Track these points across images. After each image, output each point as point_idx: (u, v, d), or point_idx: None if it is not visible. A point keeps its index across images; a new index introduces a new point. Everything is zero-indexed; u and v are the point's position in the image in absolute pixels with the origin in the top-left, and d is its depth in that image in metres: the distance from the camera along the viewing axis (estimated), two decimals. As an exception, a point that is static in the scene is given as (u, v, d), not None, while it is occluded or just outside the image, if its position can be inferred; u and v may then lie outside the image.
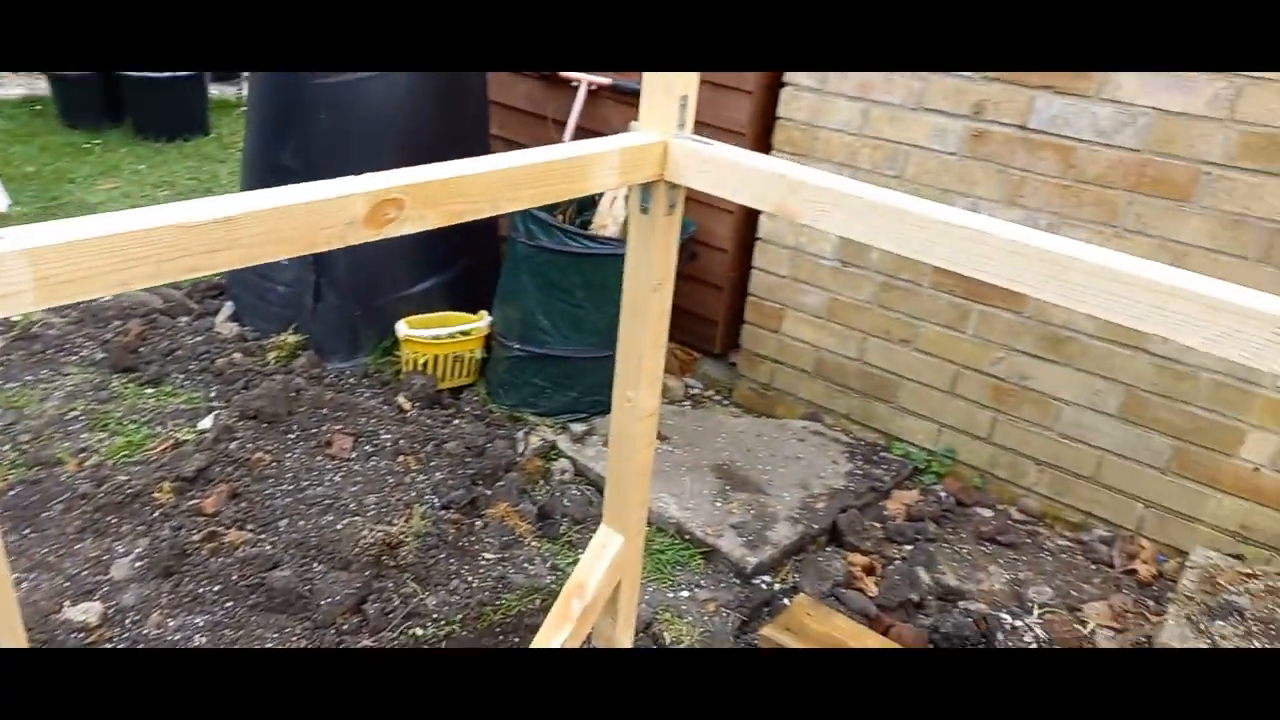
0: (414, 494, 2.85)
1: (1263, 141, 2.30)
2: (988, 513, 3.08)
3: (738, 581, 2.67)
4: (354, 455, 3.00)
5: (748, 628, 2.51)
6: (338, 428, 3.08)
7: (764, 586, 2.66)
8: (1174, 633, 2.41)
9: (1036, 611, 2.63)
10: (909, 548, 2.89)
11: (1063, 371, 2.86)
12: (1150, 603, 2.66)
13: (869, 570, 2.76)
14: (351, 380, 3.41)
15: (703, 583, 2.65)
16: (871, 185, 1.16)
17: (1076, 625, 2.60)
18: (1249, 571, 2.65)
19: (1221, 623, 2.46)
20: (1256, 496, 2.62)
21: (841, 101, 3.00)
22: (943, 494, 3.14)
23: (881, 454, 3.32)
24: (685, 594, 2.61)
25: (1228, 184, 2.38)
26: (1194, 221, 2.46)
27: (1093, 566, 2.86)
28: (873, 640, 2.38)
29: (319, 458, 2.96)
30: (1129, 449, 2.80)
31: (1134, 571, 2.80)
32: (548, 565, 2.65)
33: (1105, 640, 2.54)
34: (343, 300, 3.46)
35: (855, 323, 3.24)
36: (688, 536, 2.77)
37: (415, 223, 1.05)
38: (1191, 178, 2.42)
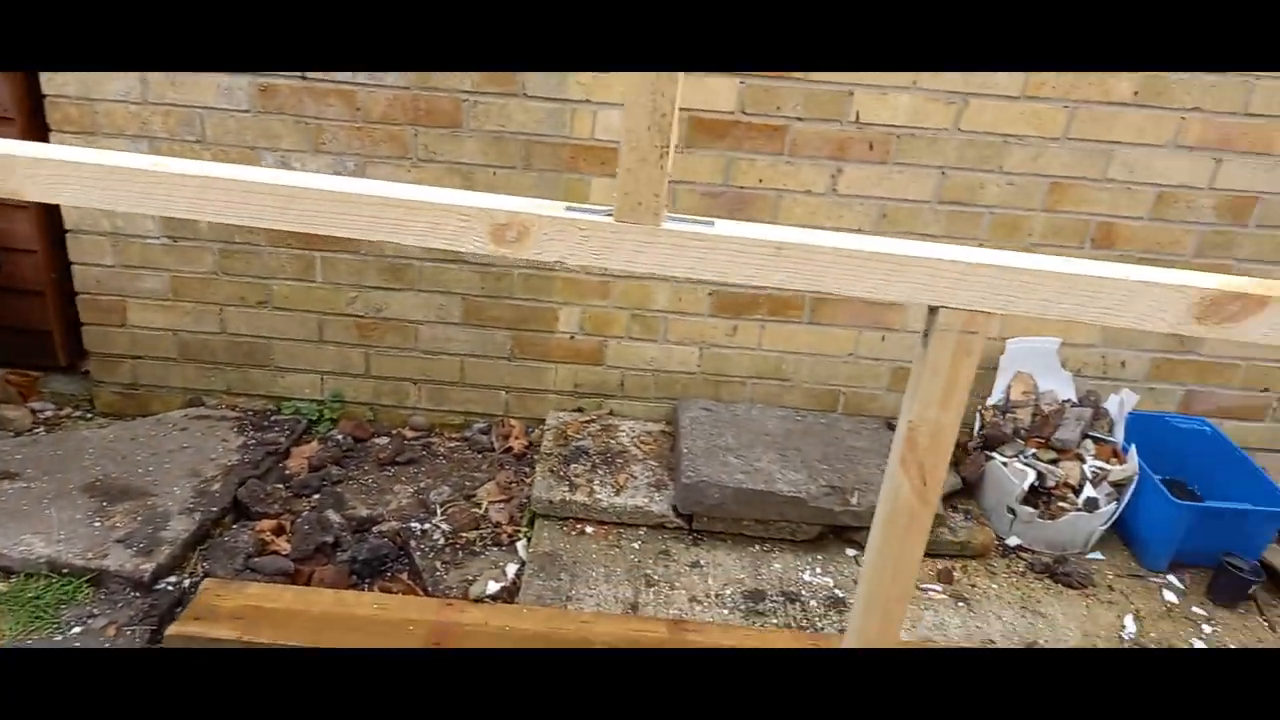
0: None
1: (500, 68, 2.73)
2: (384, 440, 3.28)
3: (138, 595, 2.49)
4: None
5: (158, 636, 2.37)
6: None
7: (170, 588, 2.53)
8: (542, 485, 2.89)
9: (440, 511, 2.92)
10: (317, 496, 2.97)
11: (410, 296, 3.13)
12: (526, 469, 3.12)
13: (279, 531, 2.78)
14: None
15: (95, 611, 2.42)
16: (141, 154, 1.13)
17: (473, 509, 2.94)
18: (588, 419, 3.26)
19: (575, 465, 3.00)
20: (578, 359, 3.21)
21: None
22: (340, 437, 3.26)
23: (273, 418, 3.31)
24: (77, 630, 2.36)
25: (483, 108, 2.78)
26: (468, 144, 2.84)
27: (480, 456, 3.25)
28: (290, 596, 2.42)
29: None
30: (479, 348, 3.20)
31: (510, 449, 3.25)
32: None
33: (496, 513, 2.93)
34: None
35: (206, 296, 3.13)
36: (66, 570, 2.49)
37: None
38: (455, 106, 2.78)
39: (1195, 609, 2.69)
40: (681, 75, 1.14)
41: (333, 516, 2.84)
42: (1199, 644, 2.56)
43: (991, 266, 1.18)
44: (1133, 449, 2.83)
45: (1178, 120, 2.65)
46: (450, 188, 2.74)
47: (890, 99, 2.68)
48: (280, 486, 2.99)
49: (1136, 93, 2.63)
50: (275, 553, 2.70)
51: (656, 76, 1.11)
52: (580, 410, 3.30)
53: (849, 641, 1.41)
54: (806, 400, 3.20)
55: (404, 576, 2.72)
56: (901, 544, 1.37)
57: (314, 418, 3.33)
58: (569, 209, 1.21)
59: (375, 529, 2.85)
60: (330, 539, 2.76)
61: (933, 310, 1.22)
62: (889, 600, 1.40)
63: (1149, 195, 2.78)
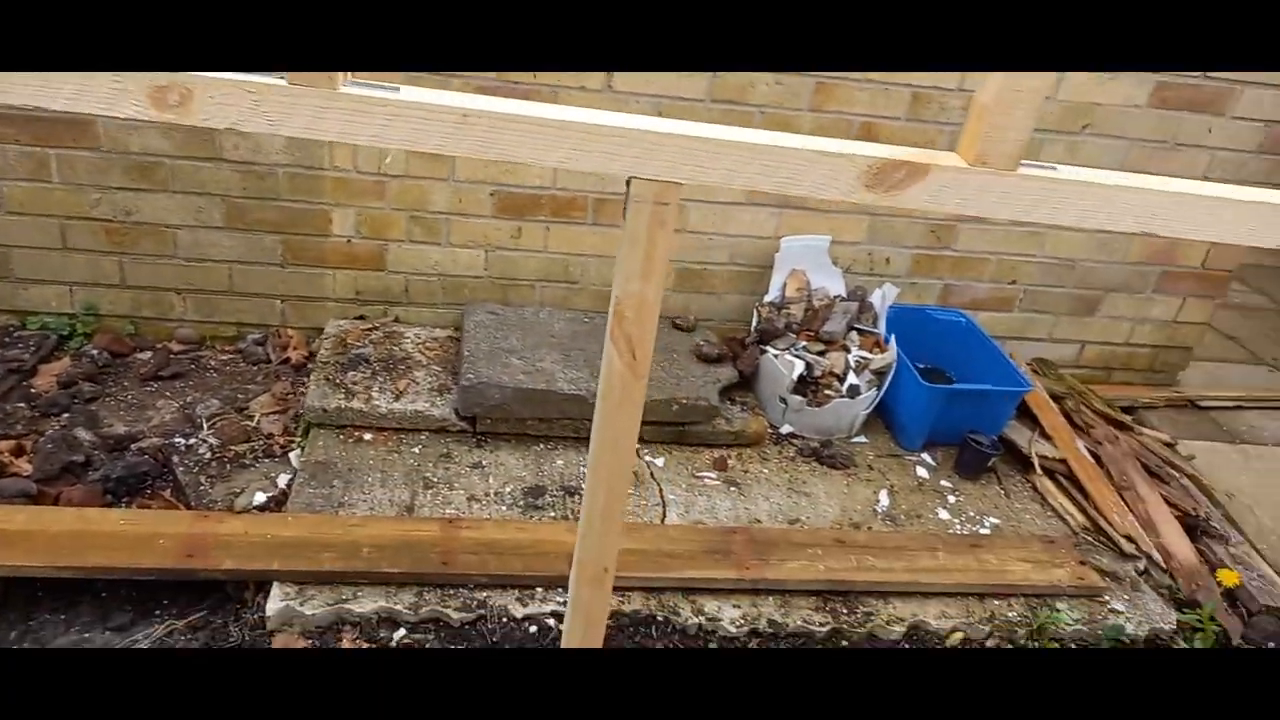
0: None
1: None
2: (147, 355, 3.06)
3: None
4: None
5: None
6: None
7: (-117, 518, 2.29)
8: (316, 393, 2.78)
9: (206, 425, 2.77)
10: (66, 415, 2.75)
11: (163, 198, 2.89)
12: (305, 380, 3.00)
13: (18, 452, 2.56)
14: None
15: None
16: None
17: (244, 422, 2.81)
18: (370, 326, 3.15)
19: (354, 372, 2.90)
20: (357, 264, 3.08)
21: None
22: (95, 353, 3.01)
23: (17, 334, 3.02)
24: None
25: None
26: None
27: (255, 368, 3.09)
28: (24, 516, 2.25)
29: None
30: (248, 254, 3.02)
31: (288, 360, 3.10)
32: None
33: (269, 424, 2.81)
34: None
35: (-82, 198, 2.78)
36: None
37: None
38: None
39: (943, 482, 2.93)
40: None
41: (83, 435, 2.65)
42: (944, 513, 2.80)
43: (681, 137, 1.18)
44: (893, 339, 3.01)
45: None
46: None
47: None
48: (23, 406, 2.75)
49: None
50: (16, 474, 2.49)
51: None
52: (363, 318, 3.18)
53: (583, 515, 1.44)
54: (595, 303, 3.21)
55: (166, 494, 2.58)
56: (617, 416, 1.39)
57: (65, 333, 3.06)
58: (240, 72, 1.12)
59: (134, 446, 2.68)
60: (80, 458, 2.57)
61: (628, 182, 1.22)
62: (613, 473, 1.43)
63: (905, 96, 2.90)
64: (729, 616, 2.33)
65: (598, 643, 1.56)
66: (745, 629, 2.33)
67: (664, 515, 2.63)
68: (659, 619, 2.33)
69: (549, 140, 1.18)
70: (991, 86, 1.14)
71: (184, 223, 2.94)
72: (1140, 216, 1.22)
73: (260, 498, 2.52)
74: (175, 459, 2.65)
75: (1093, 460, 2.95)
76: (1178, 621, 2.53)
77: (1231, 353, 4.05)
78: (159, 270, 3.02)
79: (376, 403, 2.78)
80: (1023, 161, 1.19)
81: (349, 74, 1.14)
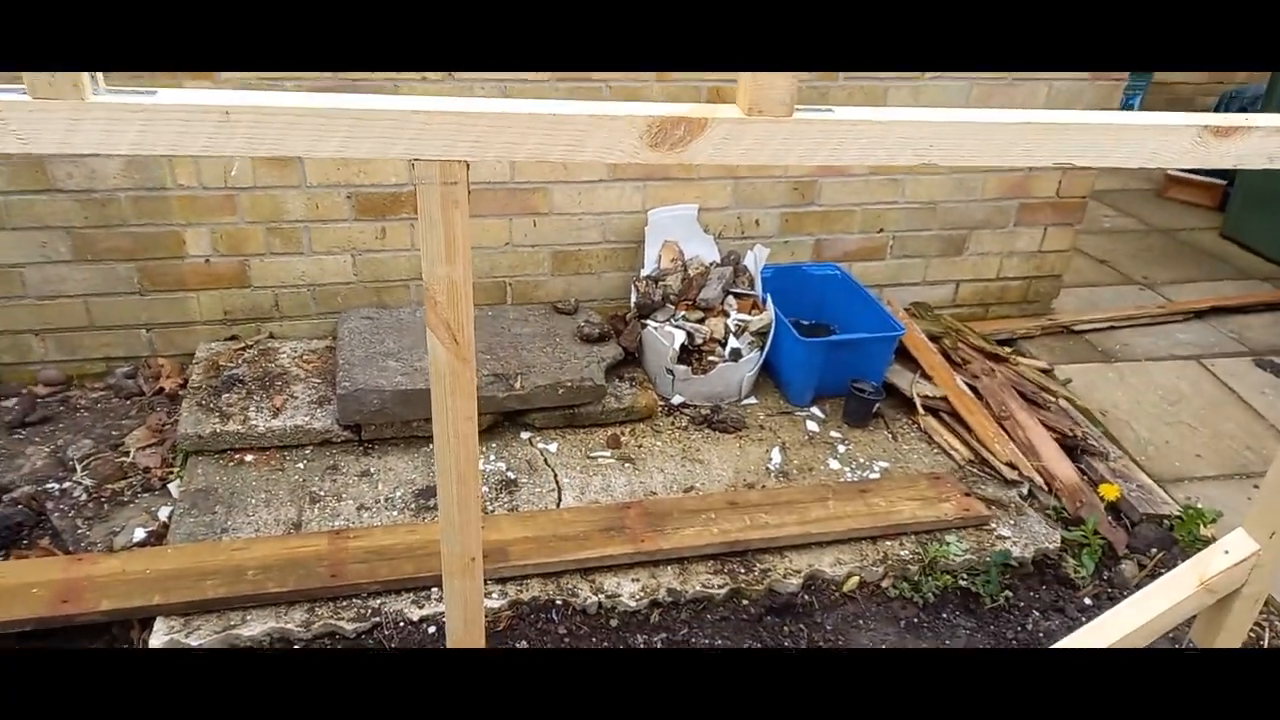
0: None
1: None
2: (11, 402, 2.94)
3: None
4: None
5: None
6: None
7: None
8: (189, 420, 2.70)
9: (80, 466, 2.67)
10: (-77, 475, 2.62)
11: (1, 236, 2.77)
12: (179, 409, 2.91)
13: None
14: None
15: None
16: None
17: (120, 458, 2.72)
18: (243, 346, 3.07)
19: (228, 394, 2.83)
20: (220, 283, 2.99)
21: None
22: (-47, 405, 2.88)
23: None
24: None
25: None
26: None
27: (128, 402, 2.99)
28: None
29: None
30: (104, 285, 2.91)
31: (162, 390, 3.01)
32: None
33: (145, 458, 2.72)
34: None
35: None
36: None
37: None
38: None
39: (833, 433, 2.99)
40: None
41: (-59, 493, 2.53)
42: (834, 463, 2.85)
43: (454, 114, 1.17)
44: (769, 299, 3.05)
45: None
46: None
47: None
48: (-126, 471, 2.61)
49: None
50: None
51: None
52: (235, 338, 3.10)
53: (440, 508, 1.42)
54: (475, 295, 3.17)
55: (43, 542, 2.48)
56: (453, 404, 1.38)
57: (-82, 389, 2.92)
58: (-24, 87, 1.07)
59: (5, 498, 2.57)
60: (-65, 518, 2.46)
61: (412, 165, 1.20)
62: (460, 461, 1.42)
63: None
64: (628, 591, 2.35)
65: (479, 632, 1.56)
66: (645, 601, 2.34)
67: (559, 499, 2.62)
68: (558, 602, 2.33)
69: (319, 130, 1.15)
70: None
71: (29, 259, 2.82)
72: (918, 149, 1.25)
73: (140, 534, 2.45)
74: (49, 505, 2.55)
75: (972, 394, 3.03)
76: (1062, 539, 2.63)
77: (1104, 276, 4.20)
78: (11, 313, 2.89)
79: (254, 422, 2.71)
80: (798, 106, 1.21)
81: (100, 79, 1.10)
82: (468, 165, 1.19)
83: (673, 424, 2.98)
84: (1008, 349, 3.42)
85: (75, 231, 2.80)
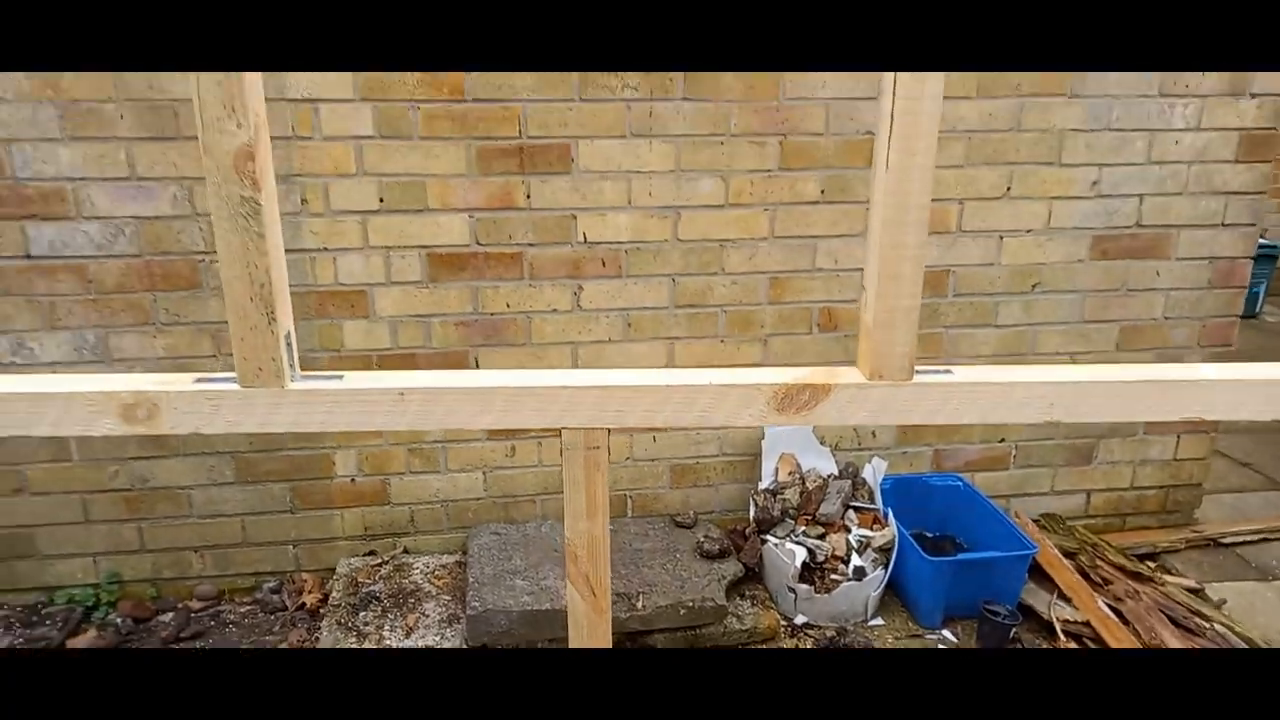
0: None
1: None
2: (168, 616, 3.12)
3: None
4: None
5: None
6: None
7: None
8: (328, 641, 2.81)
9: (222, 683, 2.78)
10: (85, 690, 2.78)
11: (175, 462, 3.04)
12: (319, 626, 3.03)
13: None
14: None
15: None
16: None
17: (260, 675, 2.82)
18: (379, 561, 3.21)
19: (365, 612, 2.94)
20: (363, 501, 3.18)
21: None
22: (119, 620, 3.08)
23: (45, 611, 3.10)
24: None
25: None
26: (212, 303, 2.85)
27: (272, 617, 3.13)
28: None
29: None
30: (259, 505, 3.13)
31: (304, 605, 3.15)
32: None
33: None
34: None
35: (-52, 492, 2.95)
36: None
37: None
38: (192, 267, 2.79)
39: (968, 655, 2.85)
40: (277, 248, 1.22)
41: (99, 709, 2.67)
42: (971, 689, 2.70)
43: (597, 388, 1.29)
44: (890, 514, 3.02)
45: (861, 210, 2.96)
46: (200, 349, 2.71)
47: (610, 218, 2.87)
48: (43, 685, 2.79)
49: (823, 191, 2.93)
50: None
51: (246, 248, 1.19)
52: (373, 553, 3.25)
53: None
54: (597, 509, 3.26)
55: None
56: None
57: (90, 603, 3.14)
58: (197, 380, 1.25)
59: (152, 714, 2.69)
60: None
61: (560, 432, 1.32)
62: (590, 710, 1.45)
63: (855, 279, 3.05)
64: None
65: None
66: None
67: (682, 726, 2.56)
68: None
69: (480, 405, 1.29)
70: (870, 307, 1.24)
71: (197, 483, 3.08)
72: (1039, 408, 1.30)
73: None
74: (190, 723, 2.65)
75: (1116, 619, 2.87)
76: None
77: (1250, 481, 3.99)
78: (176, 531, 3.13)
79: (388, 642, 2.80)
80: (919, 368, 1.28)
81: (297, 367, 1.26)
82: (609, 431, 1.30)
83: (798, 646, 2.91)
84: (1151, 564, 3.24)
85: (239, 456, 3.06)
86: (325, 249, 2.80)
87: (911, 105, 1.29)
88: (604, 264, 2.92)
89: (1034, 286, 3.13)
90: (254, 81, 1.19)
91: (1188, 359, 3.25)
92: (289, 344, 1.26)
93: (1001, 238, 3.05)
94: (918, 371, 1.28)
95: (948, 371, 1.29)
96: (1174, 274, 3.16)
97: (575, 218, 2.86)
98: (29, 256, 2.71)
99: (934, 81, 1.24)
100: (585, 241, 2.89)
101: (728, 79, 2.78)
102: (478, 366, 2.99)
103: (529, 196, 2.83)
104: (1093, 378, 1.28)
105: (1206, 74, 2.93)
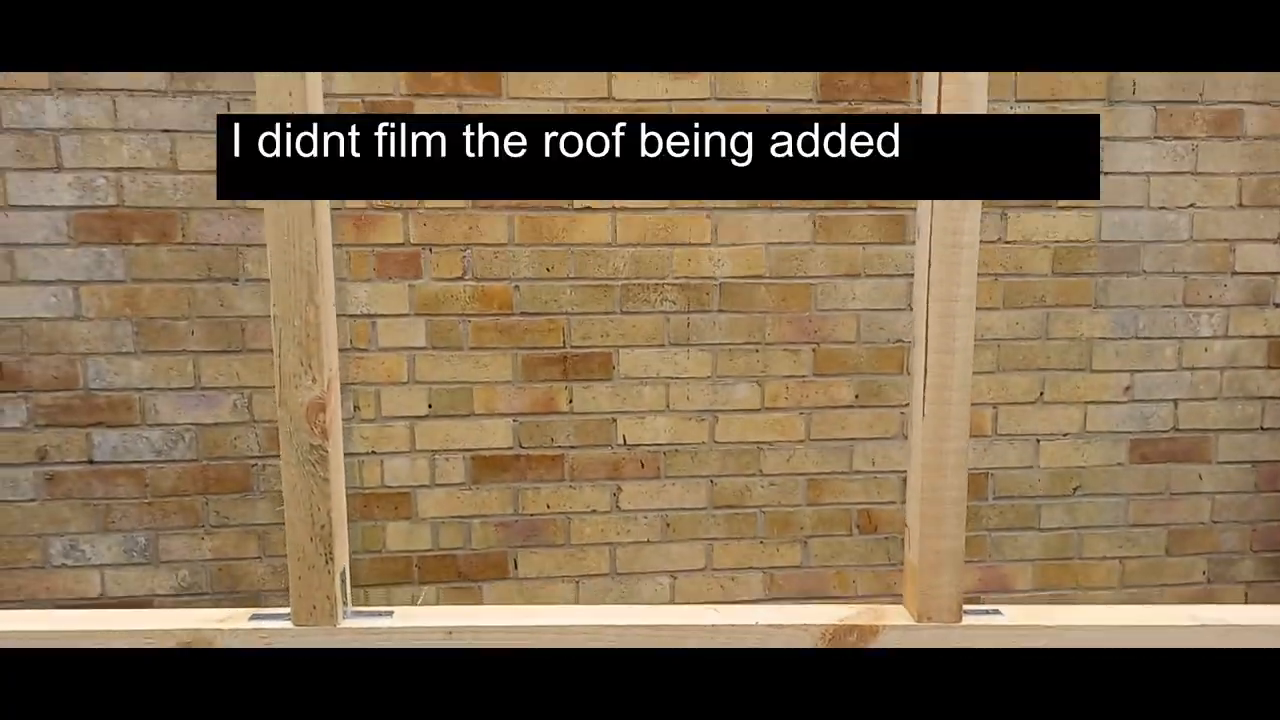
0: None
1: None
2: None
3: None
4: None
5: None
6: None
7: None
8: None
9: None
10: None
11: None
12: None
13: None
14: None
15: None
16: None
17: None
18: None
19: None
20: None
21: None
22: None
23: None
24: None
25: (272, 469, 2.89)
26: (260, 505, 2.91)
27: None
28: None
29: None
30: None
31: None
32: None
33: None
34: None
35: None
36: None
37: None
38: (245, 471, 2.88)
39: None
40: (339, 491, 1.28)
41: None
42: None
43: (642, 627, 1.30)
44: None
45: (897, 414, 3.01)
46: (246, 550, 2.76)
47: (649, 422, 2.95)
48: None
49: (857, 395, 2.99)
50: None
51: (310, 491, 1.25)
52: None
53: None
54: None
55: None
56: None
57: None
58: (253, 617, 1.29)
59: None
60: None
61: (606, 668, 1.32)
62: None
63: (894, 482, 3.06)
64: None
65: None
66: None
67: None
68: None
69: (524, 641, 1.30)
70: (914, 547, 1.26)
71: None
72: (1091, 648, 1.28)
73: None
74: None
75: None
76: None
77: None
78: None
79: None
80: (966, 608, 1.28)
81: (349, 603, 1.29)
82: (656, 664, 1.30)
83: None
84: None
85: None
86: (374, 452, 2.89)
87: (944, 349, 1.36)
88: (643, 465, 2.97)
89: (1075, 489, 3.12)
90: (331, 337, 1.30)
91: (1240, 565, 3.17)
92: (343, 579, 1.30)
93: (1038, 441, 3.06)
94: (966, 612, 1.28)
95: (997, 612, 1.29)
96: (1217, 478, 3.13)
97: (615, 421, 2.94)
98: (91, 462, 2.82)
99: (964, 328, 1.31)
100: (625, 444, 2.95)
101: (761, 292, 2.92)
102: (517, 568, 2.99)
103: (571, 401, 2.92)
104: (1150, 620, 1.27)
105: (1228, 285, 3.02)
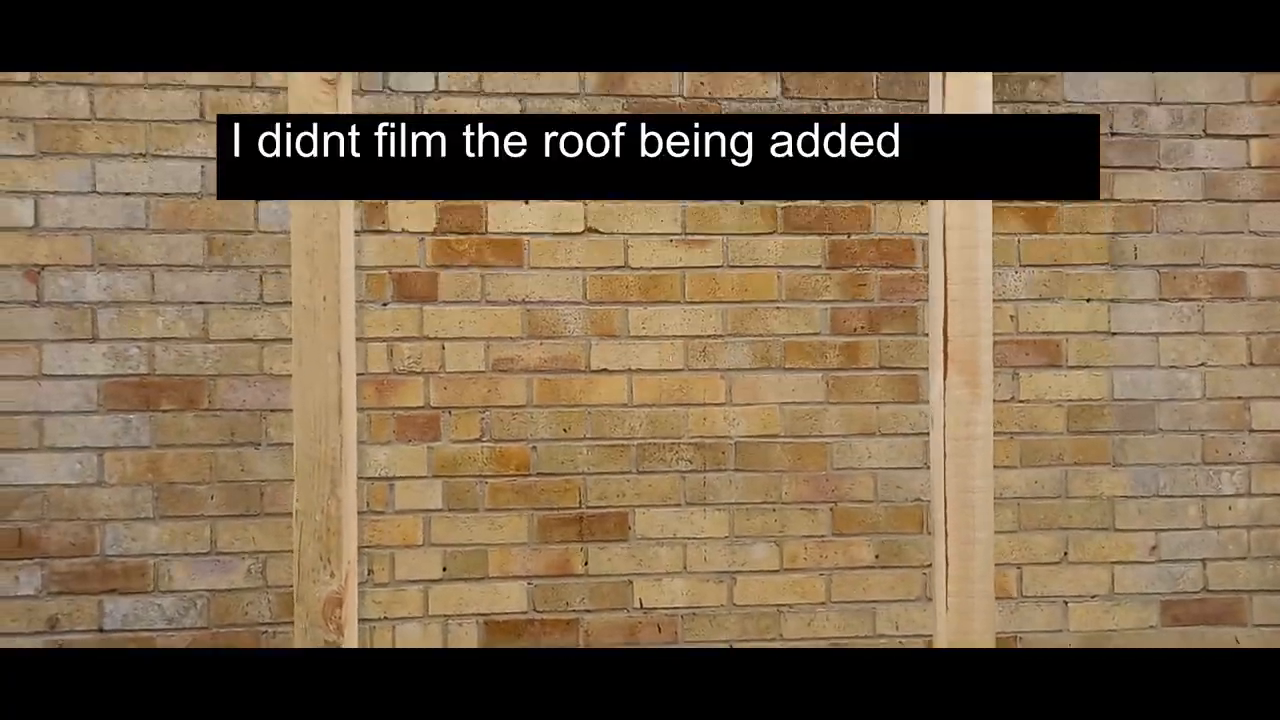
0: None
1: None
2: None
3: None
4: None
5: None
6: None
7: None
8: None
9: None
10: None
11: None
12: None
13: None
14: None
15: None
16: None
17: None
18: None
19: None
20: None
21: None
22: None
23: None
24: None
25: (286, 635, 2.84)
26: (271, 672, 2.84)
27: None
28: None
29: None
30: None
31: None
32: None
33: None
34: None
35: None
36: None
37: None
38: (255, 639, 2.83)
39: None
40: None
41: None
42: None
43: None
44: None
45: (919, 574, 2.95)
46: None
47: (665, 584, 2.90)
48: None
49: (877, 555, 2.95)
50: None
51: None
52: None
53: None
54: None
55: None
56: None
57: None
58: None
59: None
60: None
61: None
62: None
63: (919, 645, 2.98)
64: None
65: None
66: None
67: None
68: None
69: None
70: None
71: None
72: None
73: None
74: None
75: None
76: None
77: None
78: None
79: None
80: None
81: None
82: None
83: None
84: None
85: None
86: (385, 618, 2.84)
87: (966, 539, 1.36)
88: (660, 630, 2.90)
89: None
90: (351, 530, 1.31)
91: (1289, 733, 3.01)
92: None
93: (1066, 603, 2.99)
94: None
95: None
96: (1255, 640, 3.02)
97: (631, 583, 2.89)
98: (101, 630, 2.79)
99: (984, 541, 1.31)
100: (641, 607, 2.90)
101: (777, 451, 2.93)
102: (530, 740, 2.87)
103: (586, 564, 2.89)
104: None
105: (1246, 443, 3.01)
